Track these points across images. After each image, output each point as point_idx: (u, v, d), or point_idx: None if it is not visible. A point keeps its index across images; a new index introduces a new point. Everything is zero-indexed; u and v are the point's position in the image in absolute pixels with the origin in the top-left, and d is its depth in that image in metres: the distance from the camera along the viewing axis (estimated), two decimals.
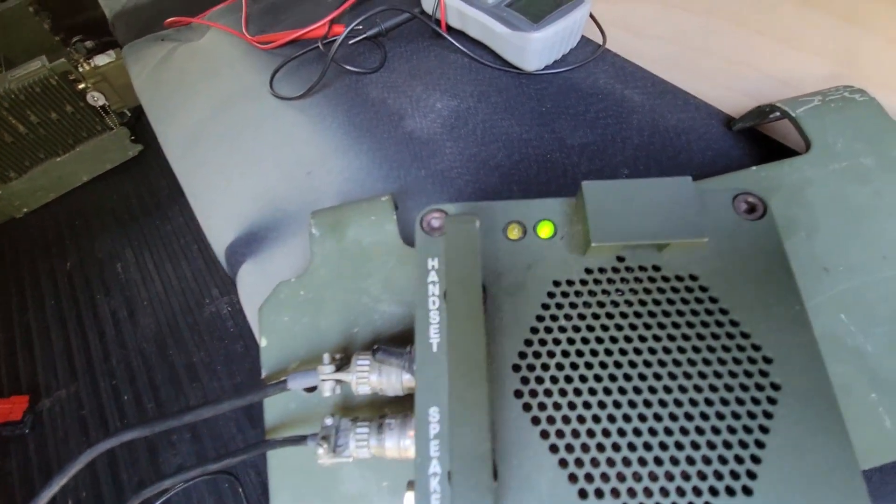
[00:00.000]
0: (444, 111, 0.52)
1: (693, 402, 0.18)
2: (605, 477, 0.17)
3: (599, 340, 0.19)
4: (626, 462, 0.17)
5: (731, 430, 0.17)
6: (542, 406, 0.18)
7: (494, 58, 0.54)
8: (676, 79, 0.50)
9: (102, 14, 0.90)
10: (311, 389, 0.32)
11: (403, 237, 0.37)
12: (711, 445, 0.17)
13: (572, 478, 0.17)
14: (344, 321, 0.33)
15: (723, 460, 0.17)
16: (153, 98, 0.69)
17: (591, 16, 0.54)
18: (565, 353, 0.19)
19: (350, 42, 0.59)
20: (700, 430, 0.17)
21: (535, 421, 0.18)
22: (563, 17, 0.48)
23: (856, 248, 0.32)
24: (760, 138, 0.44)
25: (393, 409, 0.30)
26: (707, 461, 0.17)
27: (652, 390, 0.18)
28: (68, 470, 0.33)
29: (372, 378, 0.28)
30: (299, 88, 0.56)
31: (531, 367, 0.19)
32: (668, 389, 0.18)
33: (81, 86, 1.34)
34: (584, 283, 0.20)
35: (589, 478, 0.17)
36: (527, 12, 0.49)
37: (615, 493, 0.17)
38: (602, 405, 0.18)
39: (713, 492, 0.16)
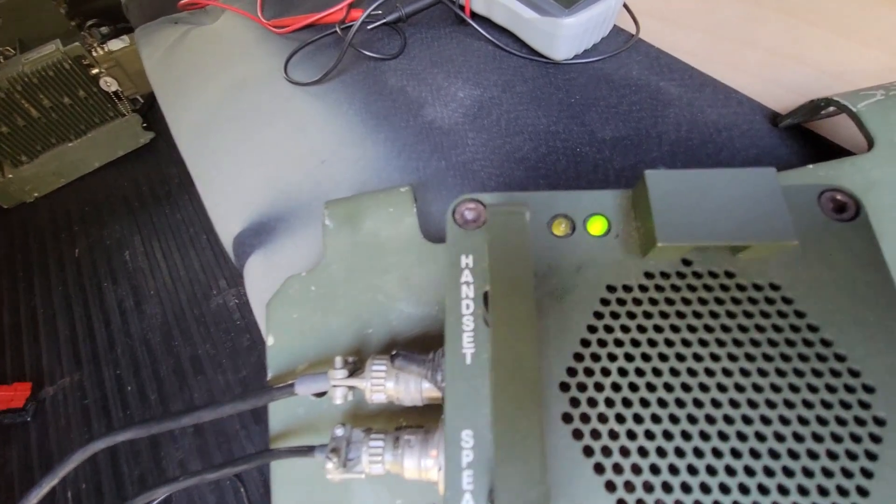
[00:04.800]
0: (466, 100, 0.49)
1: (779, 437, 0.15)
2: None
3: (663, 358, 0.16)
4: None
5: (827, 474, 0.14)
6: (595, 434, 0.15)
7: (521, 46, 0.51)
8: (716, 71, 0.46)
9: (118, 0, 0.88)
10: (321, 394, 0.29)
11: (423, 231, 0.34)
12: (803, 491, 0.14)
13: None
14: (357, 321, 0.31)
15: None
16: (164, 82, 0.67)
17: (625, 4, 0.51)
18: (623, 372, 0.16)
19: (369, 27, 0.56)
20: (788, 472, 0.14)
21: (588, 451, 0.15)
22: (597, 3, 0.45)
23: None
24: (809, 136, 0.41)
25: (410, 419, 0.28)
26: None
27: (728, 420, 0.15)
28: (59, 470, 0.32)
29: (388, 385, 0.25)
30: (315, 74, 0.53)
31: (582, 387, 0.16)
32: (747, 420, 0.15)
33: (95, 71, 1.33)
34: (643, 289, 0.17)
35: None
36: None
37: None
38: (668, 435, 0.15)
39: None
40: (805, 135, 0.41)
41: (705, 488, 0.14)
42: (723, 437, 0.15)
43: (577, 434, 0.15)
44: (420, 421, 0.27)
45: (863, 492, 0.14)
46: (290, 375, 0.30)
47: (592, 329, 0.17)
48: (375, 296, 0.31)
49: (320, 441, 0.26)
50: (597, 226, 0.18)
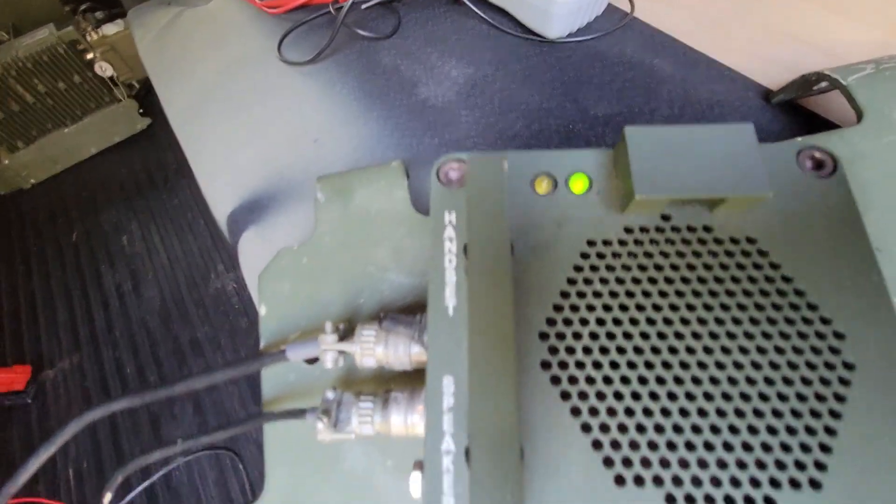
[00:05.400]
0: (460, 79, 0.49)
1: (750, 381, 0.15)
2: (645, 462, 0.15)
3: (640, 308, 0.16)
4: (671, 446, 0.15)
5: (796, 415, 0.15)
6: (573, 379, 0.16)
7: (515, 25, 0.51)
8: (710, 49, 0.46)
9: None
10: (313, 361, 0.30)
11: (415, 207, 0.35)
12: (772, 431, 0.15)
13: (608, 462, 0.15)
14: (348, 291, 0.31)
15: (786, 448, 0.14)
16: (157, 63, 0.67)
17: None
18: (601, 321, 0.16)
19: (363, 6, 0.56)
20: (759, 413, 0.15)
21: (565, 396, 0.16)
22: None
23: None
24: (801, 113, 0.41)
25: (399, 384, 0.28)
26: (767, 448, 0.14)
27: (702, 366, 0.15)
28: (56, 439, 0.32)
29: (378, 350, 0.25)
30: (309, 54, 0.53)
31: (561, 336, 0.16)
32: (720, 366, 0.15)
33: (90, 56, 1.32)
34: (622, 243, 0.17)
35: (627, 462, 0.15)
36: None
37: (658, 480, 0.14)
38: (643, 381, 0.15)
39: (774, 483, 0.14)
40: (797, 111, 0.41)
41: (677, 428, 0.15)
42: (696, 381, 0.15)
43: (555, 380, 0.16)
44: (410, 385, 0.27)
45: (831, 431, 0.15)
46: (282, 344, 0.31)
47: (572, 281, 0.17)
48: (366, 267, 0.32)
49: (312, 406, 0.27)
50: (578, 184, 0.18)
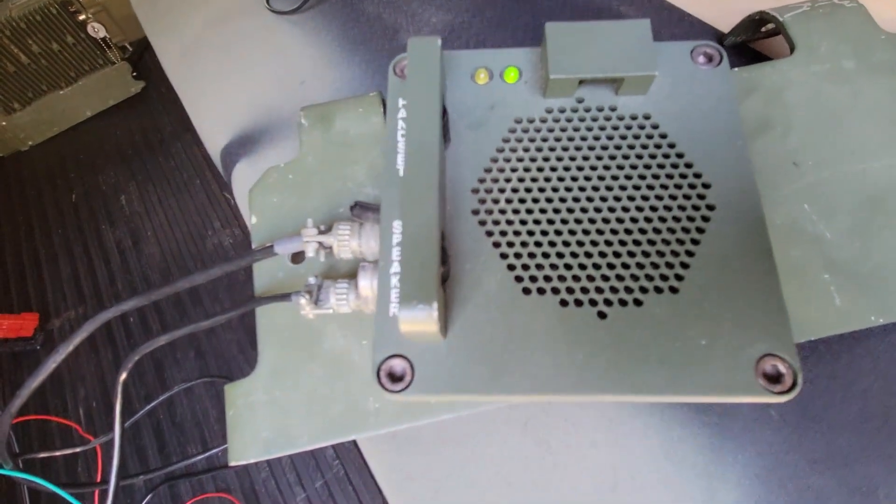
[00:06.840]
0: (438, 25, 0.52)
1: (633, 220, 0.19)
2: (547, 278, 0.19)
3: (553, 169, 0.20)
4: (568, 266, 0.19)
5: (665, 242, 0.19)
6: (495, 222, 0.20)
7: None
8: None
9: None
10: (299, 259, 0.34)
11: None
12: (646, 254, 0.19)
13: (518, 279, 0.19)
14: (329, 203, 0.35)
15: (654, 265, 0.18)
16: (150, 13, 0.69)
17: None
18: (521, 179, 0.20)
19: None
20: (637, 242, 0.19)
21: (489, 234, 0.20)
22: None
23: (826, 145, 0.33)
24: (754, 56, 0.44)
25: None
26: (640, 266, 0.19)
27: (597, 210, 0.19)
28: (74, 338, 0.36)
29: (353, 243, 0.29)
30: (295, 3, 0.56)
31: (488, 190, 0.20)
32: (611, 209, 0.19)
33: (82, 17, 1.32)
34: (543, 120, 0.21)
35: (533, 279, 0.19)
36: None
37: (555, 290, 0.19)
38: (550, 221, 0.19)
39: (643, 290, 0.18)
40: (750, 53, 0.44)
41: (574, 254, 0.19)
42: (591, 220, 0.19)
43: (482, 223, 0.20)
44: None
45: (690, 253, 0.19)
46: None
47: (500, 150, 0.21)
48: (345, 183, 0.36)
49: (296, 291, 0.31)
50: (511, 75, 0.22)
